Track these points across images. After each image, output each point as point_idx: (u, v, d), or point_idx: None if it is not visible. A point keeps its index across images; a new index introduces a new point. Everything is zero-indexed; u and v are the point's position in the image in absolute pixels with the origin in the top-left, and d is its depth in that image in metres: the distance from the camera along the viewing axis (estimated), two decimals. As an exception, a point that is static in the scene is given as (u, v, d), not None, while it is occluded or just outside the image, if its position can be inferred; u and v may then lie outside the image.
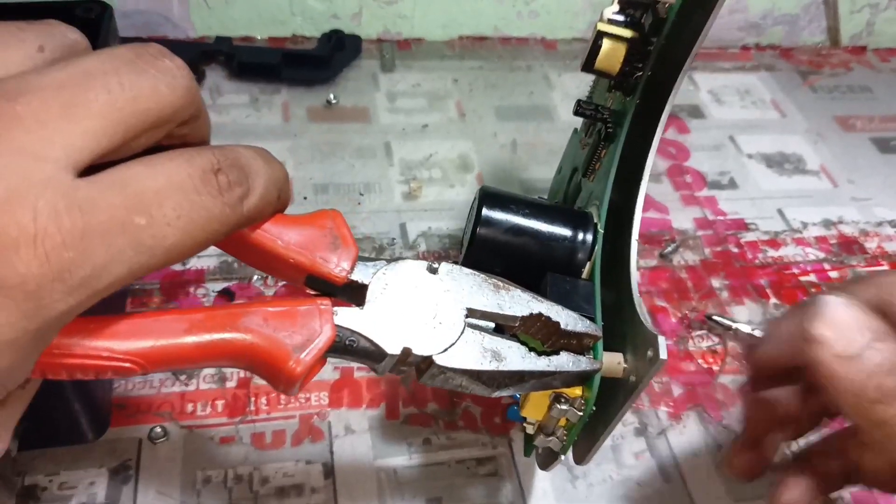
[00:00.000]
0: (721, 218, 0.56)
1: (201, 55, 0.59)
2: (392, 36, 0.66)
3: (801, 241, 0.55)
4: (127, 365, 0.21)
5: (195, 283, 0.45)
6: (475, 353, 0.25)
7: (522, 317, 0.26)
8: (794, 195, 0.59)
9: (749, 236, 0.55)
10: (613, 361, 0.27)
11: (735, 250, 0.53)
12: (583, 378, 0.27)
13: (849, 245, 0.55)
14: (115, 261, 0.18)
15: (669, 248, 0.52)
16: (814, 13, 0.73)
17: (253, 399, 0.40)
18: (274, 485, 0.37)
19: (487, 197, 0.32)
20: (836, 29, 0.74)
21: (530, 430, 0.30)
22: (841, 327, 0.26)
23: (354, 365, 0.42)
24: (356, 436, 0.40)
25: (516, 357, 0.25)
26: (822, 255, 0.54)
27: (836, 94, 0.69)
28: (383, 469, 0.39)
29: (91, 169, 0.18)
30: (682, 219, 0.55)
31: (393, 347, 0.24)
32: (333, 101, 0.59)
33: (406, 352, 0.24)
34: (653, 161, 0.30)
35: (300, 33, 0.64)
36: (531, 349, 0.26)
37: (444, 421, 0.41)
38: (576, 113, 0.34)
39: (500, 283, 0.26)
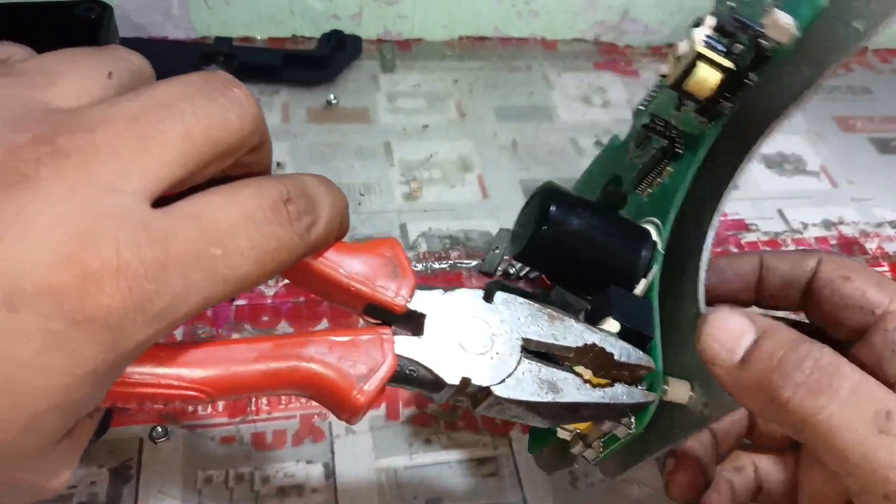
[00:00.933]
0: (721, 219, 0.56)
1: (201, 56, 0.59)
2: (392, 36, 0.66)
3: (802, 241, 0.55)
4: (194, 393, 0.21)
5: (195, 283, 0.45)
6: (532, 384, 0.25)
7: (577, 347, 0.26)
8: (795, 196, 0.59)
9: (749, 237, 0.55)
10: (682, 389, 0.27)
11: (735, 251, 0.53)
12: (636, 409, 0.27)
13: (849, 245, 0.55)
14: (190, 291, 0.18)
15: (670, 249, 0.52)
16: (813, 14, 0.73)
17: (254, 399, 0.40)
18: (275, 485, 0.37)
19: (554, 195, 0.31)
20: (835, 29, 0.74)
21: (565, 435, 0.30)
22: (722, 338, 0.23)
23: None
24: (357, 436, 0.40)
25: (572, 389, 0.25)
26: (822, 255, 0.54)
27: (836, 95, 0.69)
28: (384, 469, 0.39)
29: (161, 198, 0.19)
30: (683, 219, 0.55)
31: (452, 377, 0.24)
32: (333, 102, 0.59)
33: (465, 382, 0.24)
34: (728, 197, 0.29)
35: (300, 34, 0.64)
36: (585, 380, 0.26)
37: (444, 421, 0.41)
38: (645, 127, 0.33)
39: (554, 314, 0.26)
